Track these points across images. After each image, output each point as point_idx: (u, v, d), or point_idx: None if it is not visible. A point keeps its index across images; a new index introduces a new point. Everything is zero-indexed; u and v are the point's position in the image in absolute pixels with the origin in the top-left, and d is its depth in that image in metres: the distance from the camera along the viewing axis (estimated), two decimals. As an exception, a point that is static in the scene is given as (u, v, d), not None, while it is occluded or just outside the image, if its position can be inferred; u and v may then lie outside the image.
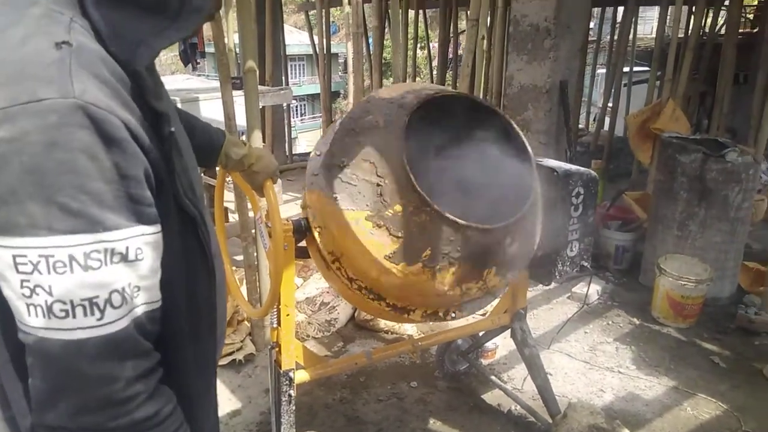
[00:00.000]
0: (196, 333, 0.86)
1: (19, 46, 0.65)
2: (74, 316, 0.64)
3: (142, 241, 0.69)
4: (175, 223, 0.78)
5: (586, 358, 2.92)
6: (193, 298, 0.85)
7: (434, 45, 7.89)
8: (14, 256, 0.63)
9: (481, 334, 2.47)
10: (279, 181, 1.54)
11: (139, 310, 0.70)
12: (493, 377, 2.58)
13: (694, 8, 5.05)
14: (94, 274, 0.65)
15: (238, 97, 2.69)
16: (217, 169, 1.51)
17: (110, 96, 0.67)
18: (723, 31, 5.47)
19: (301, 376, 1.85)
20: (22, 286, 0.63)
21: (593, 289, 3.50)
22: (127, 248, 0.67)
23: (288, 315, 1.75)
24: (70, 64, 0.64)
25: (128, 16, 0.72)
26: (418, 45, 7.64)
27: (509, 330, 2.28)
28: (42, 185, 0.62)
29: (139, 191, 0.69)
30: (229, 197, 3.18)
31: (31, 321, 0.64)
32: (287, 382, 1.79)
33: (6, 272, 0.64)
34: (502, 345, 2.87)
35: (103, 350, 0.66)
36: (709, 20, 5.64)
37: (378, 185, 1.51)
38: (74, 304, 0.64)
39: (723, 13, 5.83)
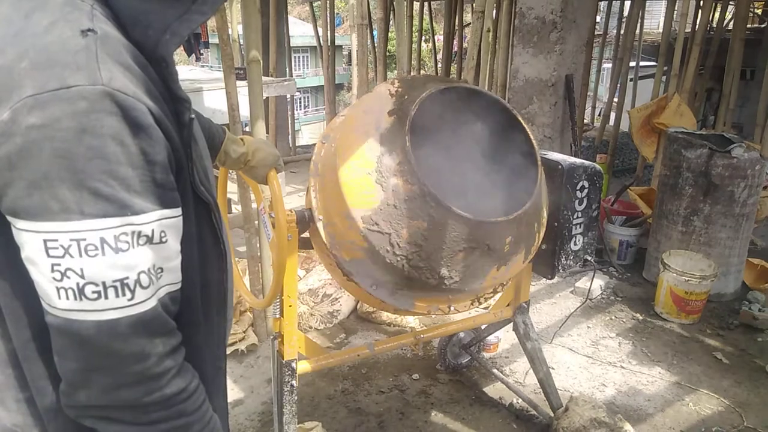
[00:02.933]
0: (207, 315, 0.88)
1: (45, 33, 0.66)
2: (106, 297, 0.66)
3: (166, 224, 0.71)
4: (191, 208, 0.80)
5: (589, 352, 2.91)
6: (206, 281, 0.86)
7: (439, 38, 7.85)
8: (45, 241, 0.63)
9: (483, 327, 2.47)
10: (282, 173, 1.53)
11: (163, 291, 0.72)
12: (494, 370, 2.58)
13: (701, 3, 5.01)
14: (123, 256, 0.66)
15: (242, 88, 2.68)
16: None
17: (135, 83, 0.68)
18: (730, 27, 5.43)
19: (303, 367, 1.85)
20: (52, 270, 0.64)
21: (596, 284, 3.50)
22: (152, 231, 0.69)
23: (291, 306, 1.74)
24: (96, 51, 0.65)
25: (150, 3, 0.73)
26: (423, 38, 7.60)
27: (511, 323, 2.28)
28: (73, 170, 0.63)
29: (163, 176, 0.71)
30: (231, 188, 3.18)
31: (61, 304, 0.65)
32: (289, 372, 1.79)
33: (35, 256, 0.64)
34: (504, 338, 2.87)
35: (135, 329, 0.68)
36: (716, 15, 5.60)
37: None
38: (106, 286, 0.65)
39: (731, 8, 5.78)
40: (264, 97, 2.94)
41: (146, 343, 0.69)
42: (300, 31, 18.73)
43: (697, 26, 4.81)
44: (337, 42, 7.71)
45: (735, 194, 3.26)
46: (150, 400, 0.71)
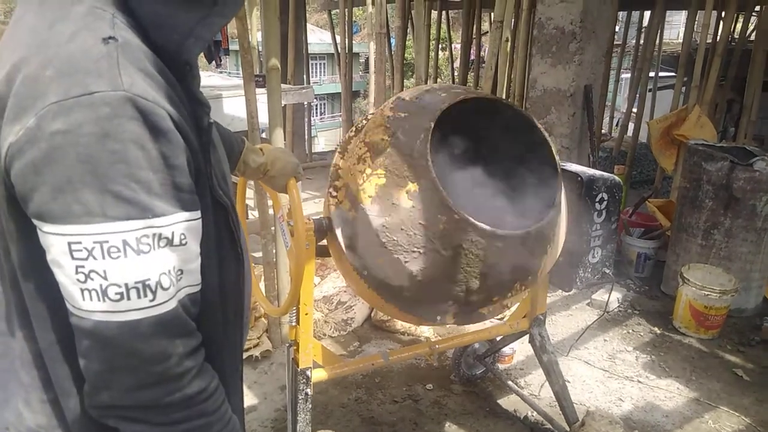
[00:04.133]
0: (226, 317, 0.89)
1: (68, 42, 0.68)
2: (128, 299, 0.67)
3: (185, 227, 0.72)
4: (209, 211, 0.81)
5: (605, 366, 2.87)
6: (224, 284, 0.87)
7: (456, 46, 7.86)
8: (69, 243, 0.65)
9: (498, 338, 2.45)
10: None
11: (183, 293, 0.73)
12: (509, 382, 2.55)
13: (723, 13, 4.96)
14: (145, 258, 0.67)
15: (261, 95, 2.70)
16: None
17: (155, 88, 0.70)
18: (753, 37, 5.36)
19: (318, 375, 1.84)
20: (77, 272, 0.66)
21: (613, 297, 3.45)
22: (172, 233, 0.70)
23: (307, 314, 1.74)
24: (117, 58, 0.67)
25: (173, 8, 0.75)
26: (440, 46, 7.60)
27: (527, 335, 2.26)
28: (96, 174, 0.64)
29: (183, 179, 0.72)
30: (249, 194, 3.18)
31: (86, 305, 0.67)
32: (304, 380, 1.79)
33: (61, 259, 0.66)
34: (519, 350, 2.84)
35: (156, 330, 0.69)
36: (738, 26, 5.53)
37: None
38: (128, 287, 0.67)
39: (753, 19, 5.71)
40: (282, 105, 2.96)
41: (167, 343, 0.70)
42: (317, 38, 18.86)
43: (718, 37, 4.76)
44: (354, 50, 7.75)
45: (757, 208, 3.20)
46: (171, 400, 0.72)
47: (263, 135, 3.36)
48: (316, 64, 23.60)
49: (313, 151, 7.99)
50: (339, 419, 2.42)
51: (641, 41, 6.21)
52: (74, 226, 0.64)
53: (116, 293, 0.66)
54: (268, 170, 1.45)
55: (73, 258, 0.65)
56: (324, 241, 1.75)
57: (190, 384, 0.73)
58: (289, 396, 1.88)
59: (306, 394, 1.80)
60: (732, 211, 3.25)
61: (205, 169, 0.79)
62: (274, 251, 2.79)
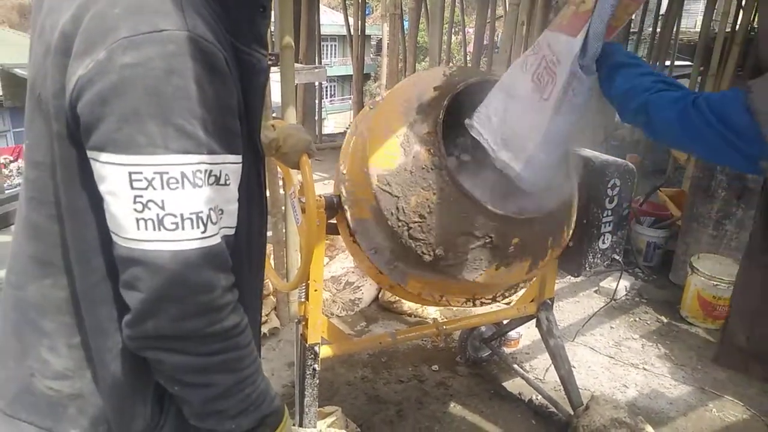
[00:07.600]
0: (250, 266, 0.92)
1: None
2: (183, 228, 0.69)
3: (230, 169, 0.75)
4: (246, 157, 0.82)
5: (611, 353, 2.88)
6: (250, 233, 0.90)
7: (468, 30, 7.77)
8: (130, 173, 0.67)
9: (505, 322, 2.46)
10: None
11: (222, 232, 0.75)
12: (515, 366, 2.57)
13: (743, 2, 4.87)
14: (199, 191, 0.70)
15: (274, 74, 2.69)
16: None
17: (212, 32, 0.73)
18: (773, 27, 5.25)
19: (325, 351, 1.87)
20: (134, 201, 0.68)
21: (621, 285, 3.45)
22: (220, 172, 0.73)
23: (316, 290, 1.76)
24: (181, 0, 0.70)
25: None
26: (453, 30, 7.53)
27: (534, 320, 2.26)
28: (161, 107, 0.67)
29: (233, 122, 0.75)
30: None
31: (140, 234, 0.68)
32: (312, 356, 1.81)
33: (118, 189, 0.68)
34: (526, 335, 2.85)
35: (205, 261, 0.71)
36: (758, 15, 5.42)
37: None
38: (183, 218, 0.69)
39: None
40: (295, 84, 2.95)
41: (213, 275, 0.73)
42: (329, 19, 18.70)
43: (737, 25, 4.68)
44: (367, 32, 7.67)
45: (770, 199, 3.17)
46: (212, 331, 0.74)
47: (274, 115, 3.35)
48: (327, 45, 23.42)
49: (323, 132, 7.97)
50: (345, 396, 2.45)
51: (658, 29, 6.11)
52: (137, 156, 0.67)
53: (172, 223, 0.68)
54: (280, 146, 1.45)
55: (132, 188, 0.67)
56: (334, 220, 1.76)
57: (228, 317, 0.75)
58: (296, 372, 1.91)
59: (314, 369, 1.82)
60: (745, 201, 3.22)
61: (246, 115, 0.81)
62: (284, 230, 2.80)
